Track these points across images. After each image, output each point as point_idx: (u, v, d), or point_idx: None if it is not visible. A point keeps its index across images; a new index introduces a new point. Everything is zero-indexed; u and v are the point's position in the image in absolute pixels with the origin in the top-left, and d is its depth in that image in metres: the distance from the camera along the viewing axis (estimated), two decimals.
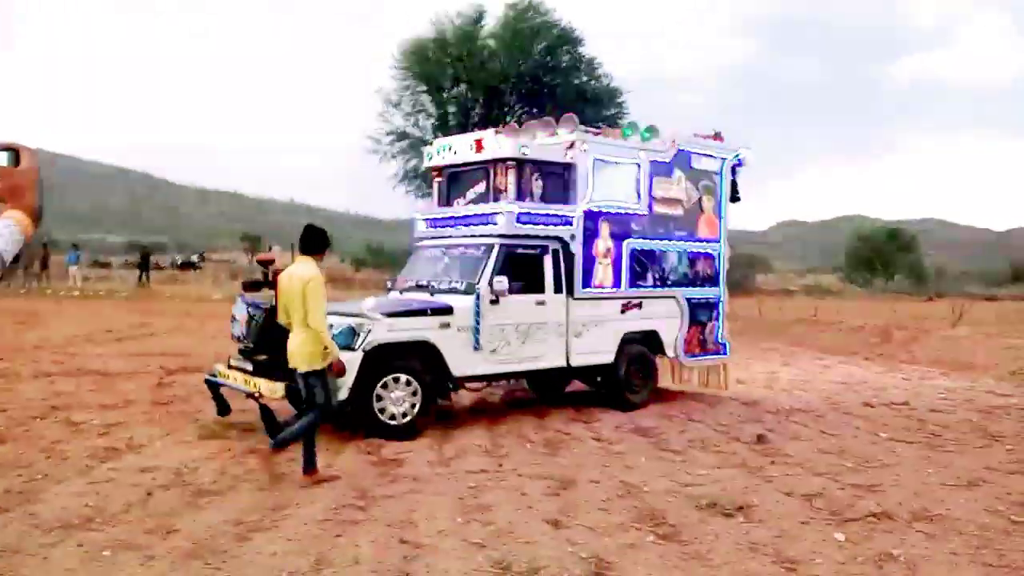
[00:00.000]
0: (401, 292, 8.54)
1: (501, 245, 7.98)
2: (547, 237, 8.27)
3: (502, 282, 7.67)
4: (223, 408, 7.19)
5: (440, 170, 9.03)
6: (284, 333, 6.92)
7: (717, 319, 9.90)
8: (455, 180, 8.97)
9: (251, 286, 6.98)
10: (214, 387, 7.26)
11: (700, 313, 9.72)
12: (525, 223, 8.06)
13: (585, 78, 28.16)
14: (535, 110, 25.34)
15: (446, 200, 9.05)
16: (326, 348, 5.65)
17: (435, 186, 9.19)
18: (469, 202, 8.69)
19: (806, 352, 16.15)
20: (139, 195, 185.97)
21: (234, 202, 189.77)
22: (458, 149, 8.64)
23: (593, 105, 26.73)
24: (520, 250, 8.11)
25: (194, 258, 48.34)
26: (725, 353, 10.04)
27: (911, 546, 4.40)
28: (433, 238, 8.88)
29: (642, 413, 8.66)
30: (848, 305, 28.96)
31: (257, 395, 6.68)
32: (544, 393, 9.70)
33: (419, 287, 8.35)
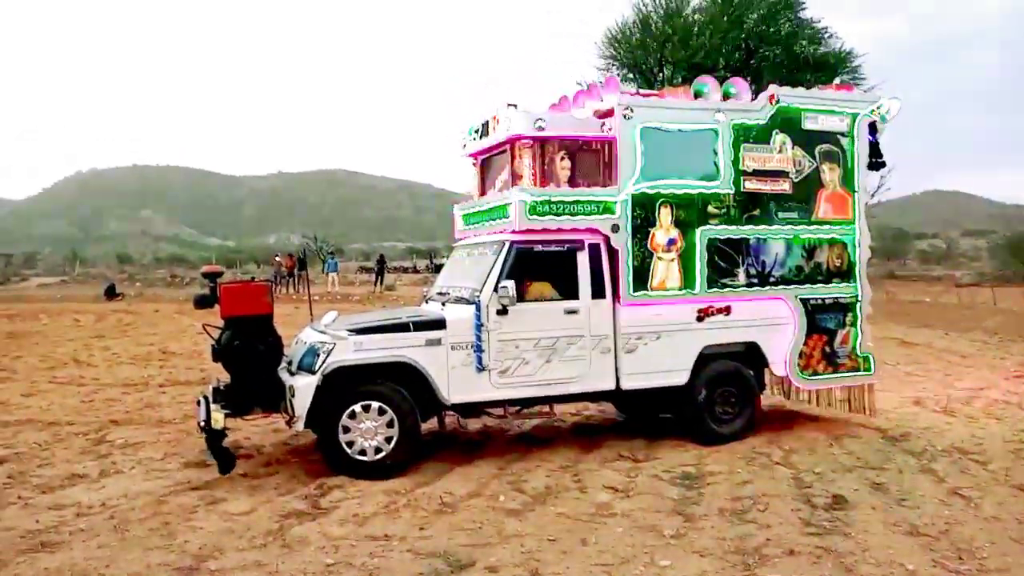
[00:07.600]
0: (427, 301, 7.39)
1: (512, 243, 6.52)
2: (579, 230, 6.65)
3: (508, 288, 6.23)
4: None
5: (477, 156, 7.74)
6: (242, 354, 6.16)
7: (853, 325, 7.51)
8: (488, 166, 7.63)
9: (201, 302, 6.22)
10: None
11: (825, 318, 7.42)
12: (544, 215, 6.51)
13: (806, 43, 24.69)
14: (751, 86, 22.54)
15: (483, 190, 7.74)
16: None
17: (474, 175, 7.89)
18: (500, 191, 7.30)
19: None
20: (422, 205, 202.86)
21: None
22: (483, 130, 7.29)
23: (818, 72, 23.34)
24: (540, 247, 6.58)
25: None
26: (868, 370, 7.60)
27: None
28: (468, 237, 7.61)
29: (724, 450, 6.71)
30: None
31: (201, 423, 5.95)
32: (634, 416, 8.04)
33: (440, 295, 7.15)
